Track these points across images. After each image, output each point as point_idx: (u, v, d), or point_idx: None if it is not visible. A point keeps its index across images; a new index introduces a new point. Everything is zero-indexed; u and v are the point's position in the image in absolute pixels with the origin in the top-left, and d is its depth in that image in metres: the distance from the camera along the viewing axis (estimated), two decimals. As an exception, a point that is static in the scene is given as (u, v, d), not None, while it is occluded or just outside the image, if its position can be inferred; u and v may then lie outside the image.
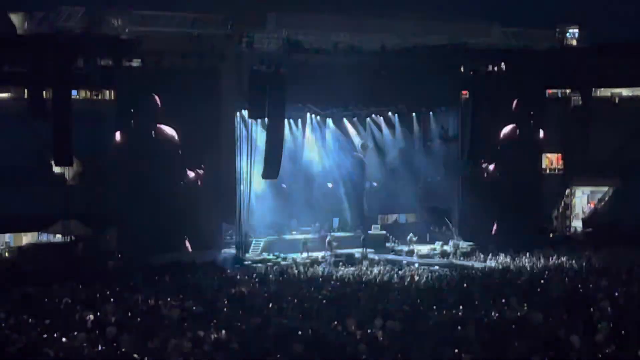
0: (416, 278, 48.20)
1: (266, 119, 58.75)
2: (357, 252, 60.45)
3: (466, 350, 29.60)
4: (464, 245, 63.36)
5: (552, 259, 55.22)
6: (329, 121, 67.23)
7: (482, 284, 45.37)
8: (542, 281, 45.84)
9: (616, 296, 40.43)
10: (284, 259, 58.76)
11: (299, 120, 65.57)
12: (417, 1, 67.31)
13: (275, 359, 29.44)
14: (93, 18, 56.17)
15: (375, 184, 69.13)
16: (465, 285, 45.34)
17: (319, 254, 59.61)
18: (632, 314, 35.74)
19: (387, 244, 64.10)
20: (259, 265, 56.43)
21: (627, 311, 36.62)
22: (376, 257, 58.94)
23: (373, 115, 68.85)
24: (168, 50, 58.34)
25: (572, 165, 73.53)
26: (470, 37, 66.03)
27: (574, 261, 54.23)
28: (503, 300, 40.08)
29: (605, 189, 72.47)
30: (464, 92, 67.52)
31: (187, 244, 57.98)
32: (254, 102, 58.02)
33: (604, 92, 75.99)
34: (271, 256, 59.72)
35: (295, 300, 40.68)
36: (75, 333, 33.30)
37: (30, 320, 35.95)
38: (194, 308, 39.36)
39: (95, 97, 63.23)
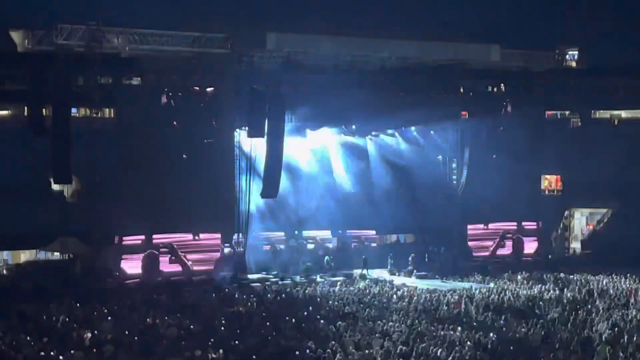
0: (414, 298, 48.10)
1: (265, 138, 58.79)
2: (356, 271, 60.36)
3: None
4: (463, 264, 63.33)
5: (550, 281, 55.14)
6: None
7: (480, 305, 45.24)
8: (540, 302, 45.73)
9: (615, 319, 40.37)
10: (282, 278, 58.60)
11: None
12: (418, 21, 67.41)
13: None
14: (94, 36, 56.25)
15: None
16: (463, 306, 45.21)
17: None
18: (630, 337, 35.69)
19: (387, 264, 63.85)
20: (257, 284, 56.28)
21: (626, 334, 36.58)
22: (375, 277, 58.80)
23: (373, 134, 68.85)
24: (168, 68, 58.43)
25: (571, 187, 73.45)
26: (470, 57, 66.17)
27: (572, 283, 54.13)
28: (502, 321, 40.05)
29: (604, 210, 72.43)
30: (463, 112, 67.62)
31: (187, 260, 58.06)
32: (254, 121, 58.12)
33: (603, 113, 76.01)
34: (270, 275, 59.60)
35: (294, 320, 40.61)
36: (73, 351, 33.25)
37: (27, 338, 35.87)
38: (192, 327, 39.28)
39: (95, 115, 63.19)
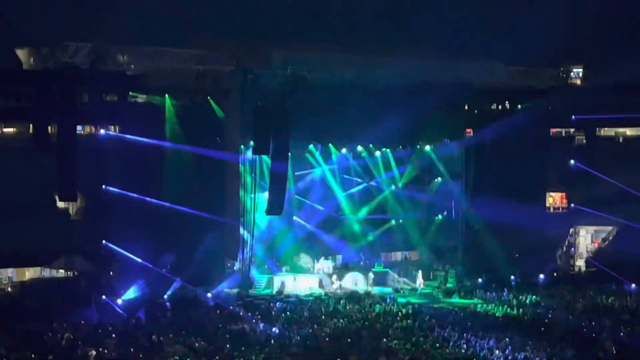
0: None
1: (270, 155, 58.87)
2: (361, 289, 60.31)
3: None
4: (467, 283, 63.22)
5: (556, 298, 55.04)
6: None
7: (484, 322, 45.18)
8: (546, 320, 45.65)
9: (620, 336, 40.29)
10: (287, 295, 58.53)
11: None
12: (423, 39, 67.40)
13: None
14: (99, 54, 56.39)
15: None
16: (469, 323, 45.13)
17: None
18: (636, 354, 35.61)
19: (391, 281, 63.79)
20: (262, 301, 56.18)
21: (631, 351, 36.51)
22: (379, 294, 58.78)
23: (377, 152, 68.89)
24: (173, 86, 58.58)
25: (576, 204, 73.28)
26: (475, 75, 66.22)
27: (578, 300, 54.03)
28: (507, 339, 39.96)
29: (609, 228, 72.27)
30: (468, 130, 67.66)
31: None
32: (259, 138, 58.16)
33: (608, 131, 75.92)
34: (274, 292, 59.55)
35: (298, 337, 40.54)
36: (77, 369, 33.25)
37: (32, 355, 35.86)
38: (197, 344, 39.23)
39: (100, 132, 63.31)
